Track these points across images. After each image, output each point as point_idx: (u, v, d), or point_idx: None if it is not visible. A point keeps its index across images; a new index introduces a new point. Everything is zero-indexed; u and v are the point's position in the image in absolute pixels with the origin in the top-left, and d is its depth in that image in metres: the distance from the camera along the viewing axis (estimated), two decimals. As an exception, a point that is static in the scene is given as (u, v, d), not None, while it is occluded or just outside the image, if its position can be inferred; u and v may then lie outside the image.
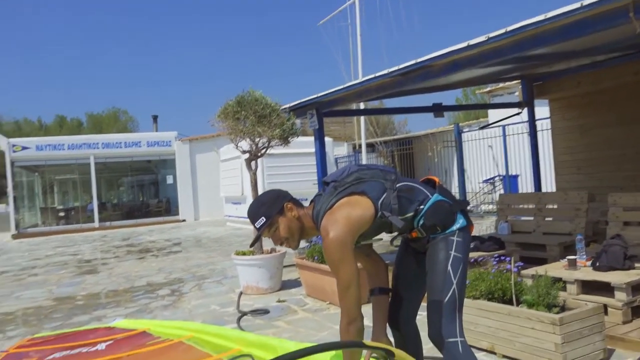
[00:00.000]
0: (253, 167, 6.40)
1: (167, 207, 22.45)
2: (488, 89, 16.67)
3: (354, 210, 2.16)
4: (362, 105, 12.84)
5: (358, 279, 2.10)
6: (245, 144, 6.32)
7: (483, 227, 9.51)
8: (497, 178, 15.06)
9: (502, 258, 4.13)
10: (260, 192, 14.14)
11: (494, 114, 14.07)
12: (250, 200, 15.26)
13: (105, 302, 6.41)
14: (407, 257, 2.50)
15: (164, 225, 19.14)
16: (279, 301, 5.63)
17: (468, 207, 2.35)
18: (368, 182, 2.25)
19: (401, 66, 5.14)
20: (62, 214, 21.98)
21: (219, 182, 17.72)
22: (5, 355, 2.59)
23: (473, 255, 4.96)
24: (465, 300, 3.63)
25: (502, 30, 3.78)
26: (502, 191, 13.95)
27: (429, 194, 2.29)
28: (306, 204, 2.39)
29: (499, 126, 11.78)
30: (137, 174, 25.06)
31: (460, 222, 2.27)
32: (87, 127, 42.85)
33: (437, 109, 8.50)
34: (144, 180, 25.99)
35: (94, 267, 9.51)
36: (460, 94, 36.87)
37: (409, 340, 2.47)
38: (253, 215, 2.27)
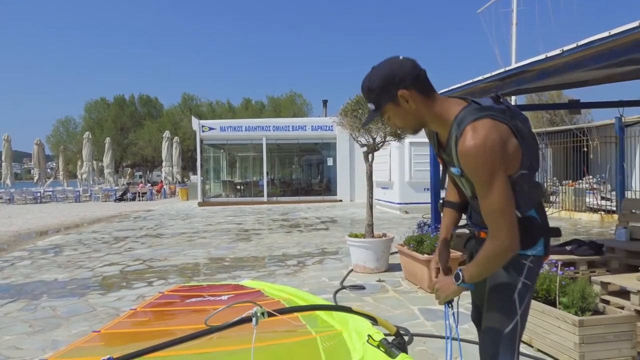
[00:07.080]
0: (370, 159, 7.14)
1: (327, 187, 24.21)
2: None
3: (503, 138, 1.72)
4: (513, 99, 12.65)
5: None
6: (363, 139, 7.08)
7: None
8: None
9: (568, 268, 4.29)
10: (401, 178, 14.79)
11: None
12: (397, 186, 15.95)
13: (244, 265, 7.75)
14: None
15: (322, 204, 20.83)
16: (378, 281, 6.33)
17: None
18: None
19: (503, 70, 5.41)
20: (238, 187, 25.13)
21: (372, 167, 18.72)
22: (161, 296, 3.76)
23: (556, 257, 5.08)
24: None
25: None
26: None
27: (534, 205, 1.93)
28: None
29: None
30: (304, 155, 27.36)
31: (538, 249, 1.91)
32: (268, 110, 47.25)
33: (573, 106, 8.29)
34: (310, 161, 28.27)
35: (248, 236, 11.17)
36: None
37: None
38: (365, 96, 1.88)
